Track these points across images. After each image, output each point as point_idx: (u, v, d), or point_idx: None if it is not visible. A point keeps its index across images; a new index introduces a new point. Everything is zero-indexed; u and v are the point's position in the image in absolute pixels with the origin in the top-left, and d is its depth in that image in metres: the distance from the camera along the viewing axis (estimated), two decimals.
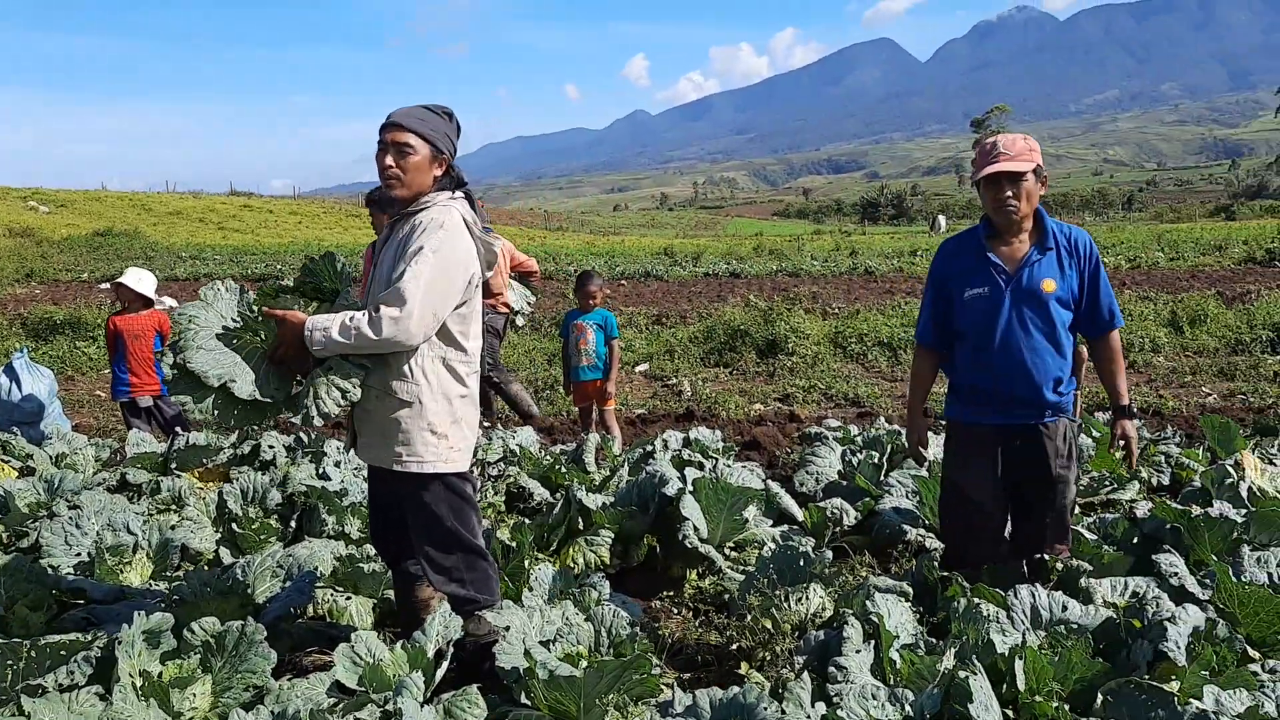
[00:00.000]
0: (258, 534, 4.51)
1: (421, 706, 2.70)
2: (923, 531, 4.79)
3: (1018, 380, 3.63)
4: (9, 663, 2.80)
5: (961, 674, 2.69)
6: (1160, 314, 13.61)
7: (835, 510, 5.08)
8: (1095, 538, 4.28)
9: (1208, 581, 3.58)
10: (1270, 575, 3.61)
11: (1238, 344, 12.03)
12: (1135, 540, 4.26)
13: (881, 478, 5.56)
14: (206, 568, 4.29)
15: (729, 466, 5.26)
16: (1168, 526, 4.18)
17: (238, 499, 4.68)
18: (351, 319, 2.96)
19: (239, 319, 3.11)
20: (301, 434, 6.35)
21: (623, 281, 23.80)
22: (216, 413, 2.99)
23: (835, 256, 29.89)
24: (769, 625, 3.57)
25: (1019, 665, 2.85)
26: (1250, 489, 4.73)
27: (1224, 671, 2.92)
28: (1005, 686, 2.88)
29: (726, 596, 4.31)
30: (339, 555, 4.14)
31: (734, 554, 4.80)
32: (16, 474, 5.51)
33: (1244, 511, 4.28)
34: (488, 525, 4.80)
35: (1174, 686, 2.81)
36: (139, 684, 2.79)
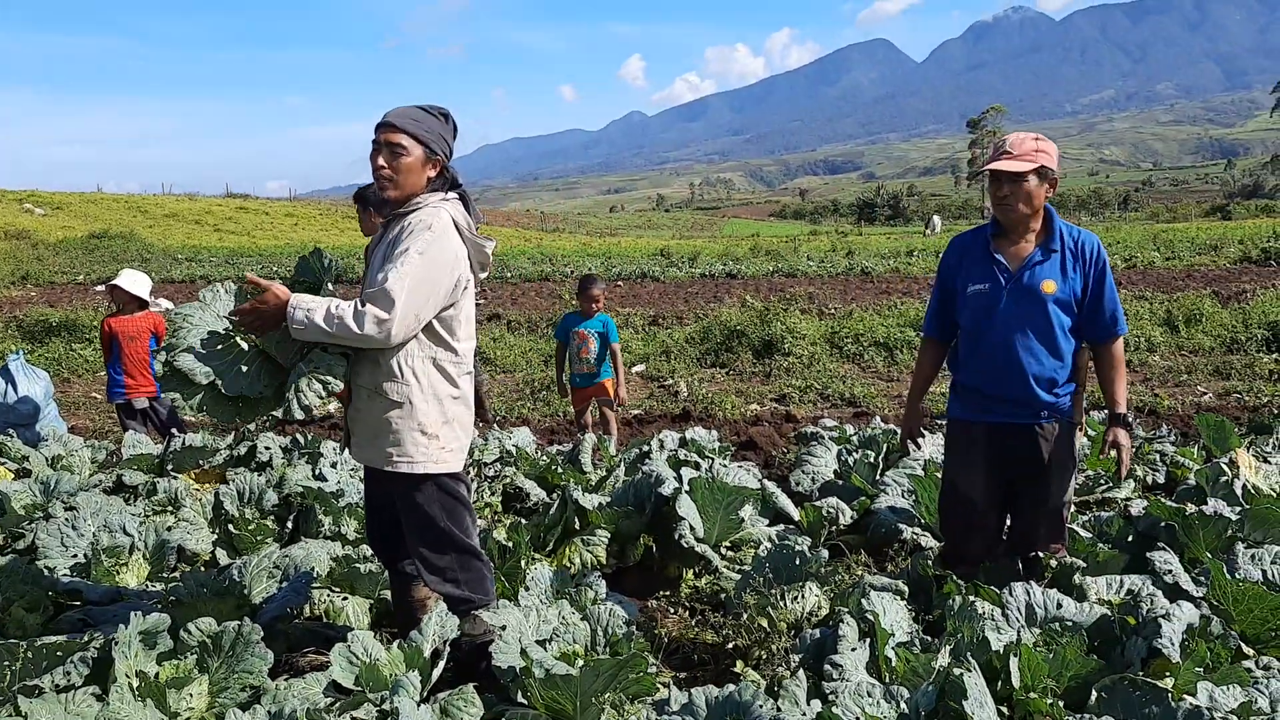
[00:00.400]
0: (254, 535, 4.50)
1: (418, 706, 2.70)
2: (918, 530, 4.80)
3: (1012, 379, 3.64)
4: (6, 664, 2.80)
5: (956, 671, 2.70)
6: (1156, 313, 13.63)
7: (831, 509, 5.09)
8: (1090, 536, 4.29)
9: (1202, 579, 3.59)
10: (1264, 572, 3.62)
11: (1233, 343, 12.06)
12: (1130, 538, 4.27)
13: (878, 477, 5.56)
14: (203, 569, 4.29)
15: (725, 466, 5.27)
16: (1162, 524, 4.19)
17: (234, 500, 4.68)
18: (337, 307, 2.94)
19: (230, 318, 3.11)
20: (298, 435, 6.35)
21: (619, 283, 23.81)
22: (206, 409, 3.00)
23: (832, 257, 29.93)
24: (765, 624, 3.58)
25: (1014, 662, 2.86)
26: (1245, 487, 4.75)
27: (1218, 668, 2.93)
28: (1000, 684, 2.88)
29: (723, 596, 4.32)
30: (335, 556, 4.14)
31: (730, 553, 4.81)
32: (12, 476, 5.50)
33: (1238, 509, 4.29)
34: (484, 525, 4.81)
35: (1168, 683, 2.83)
36: (136, 684, 2.79)
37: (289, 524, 4.75)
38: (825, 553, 4.07)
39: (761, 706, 2.64)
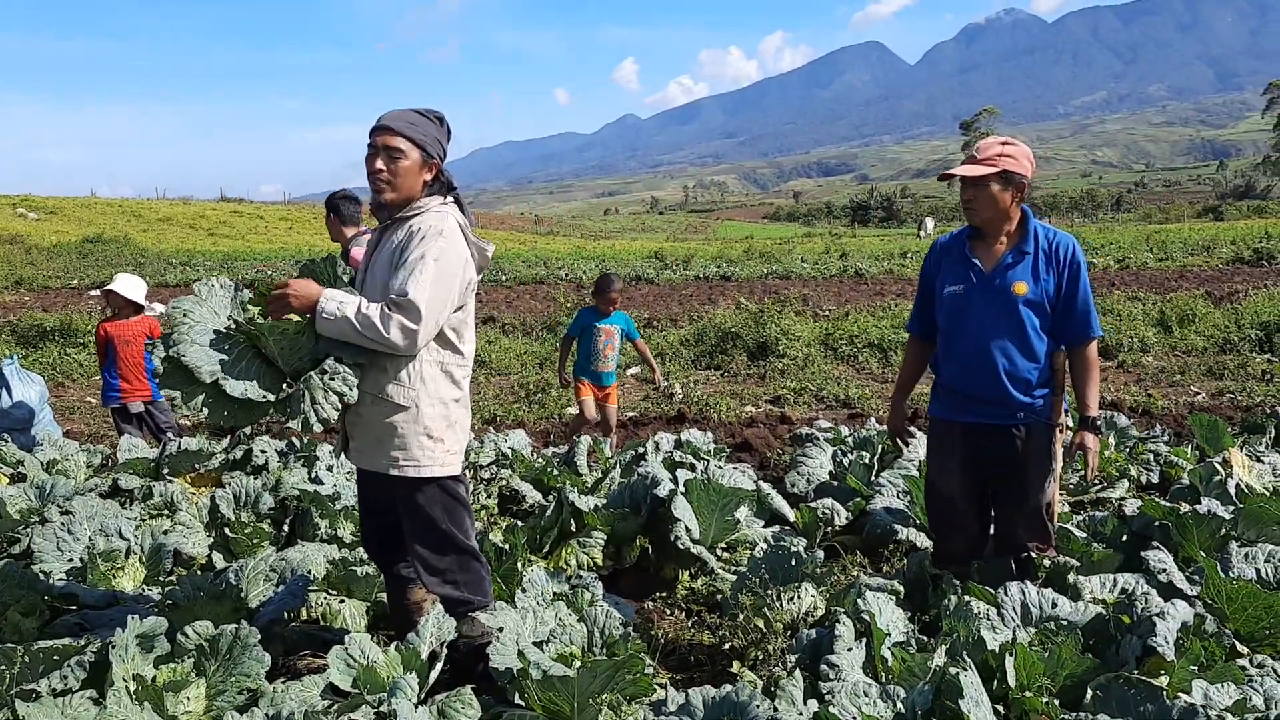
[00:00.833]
0: (250, 538, 4.50)
1: (416, 708, 2.71)
2: (914, 531, 4.81)
3: (986, 379, 3.65)
4: (3, 668, 2.80)
5: (953, 671, 2.71)
6: (1149, 314, 13.69)
7: (827, 510, 5.10)
8: (1084, 535, 4.31)
9: (1196, 578, 3.61)
10: (1258, 571, 3.63)
11: (1226, 343, 12.11)
12: (1124, 537, 4.29)
13: (873, 478, 5.58)
14: (199, 572, 4.28)
15: (720, 468, 5.28)
16: (1156, 524, 4.21)
17: (230, 504, 4.68)
18: (366, 306, 2.93)
19: (231, 318, 3.06)
20: (294, 439, 6.35)
21: (622, 289, 23.83)
22: (206, 410, 2.95)
23: (825, 259, 30.01)
24: (761, 624, 3.59)
25: (1009, 662, 2.87)
26: (1238, 486, 4.76)
27: (1212, 666, 2.94)
28: (996, 683, 2.90)
29: (719, 597, 4.33)
30: (332, 559, 4.13)
31: (726, 555, 4.82)
32: (7, 480, 5.49)
33: (1232, 508, 4.31)
34: (480, 528, 4.81)
35: (1163, 681, 2.84)
36: (133, 688, 2.79)
37: (285, 527, 4.75)
38: (821, 553, 4.08)
39: (758, 706, 2.65)
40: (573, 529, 4.80)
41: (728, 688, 2.75)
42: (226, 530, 4.54)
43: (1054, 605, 3.29)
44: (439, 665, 3.05)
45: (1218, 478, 4.91)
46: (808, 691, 2.86)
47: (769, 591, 3.74)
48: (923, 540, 4.71)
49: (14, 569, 3.78)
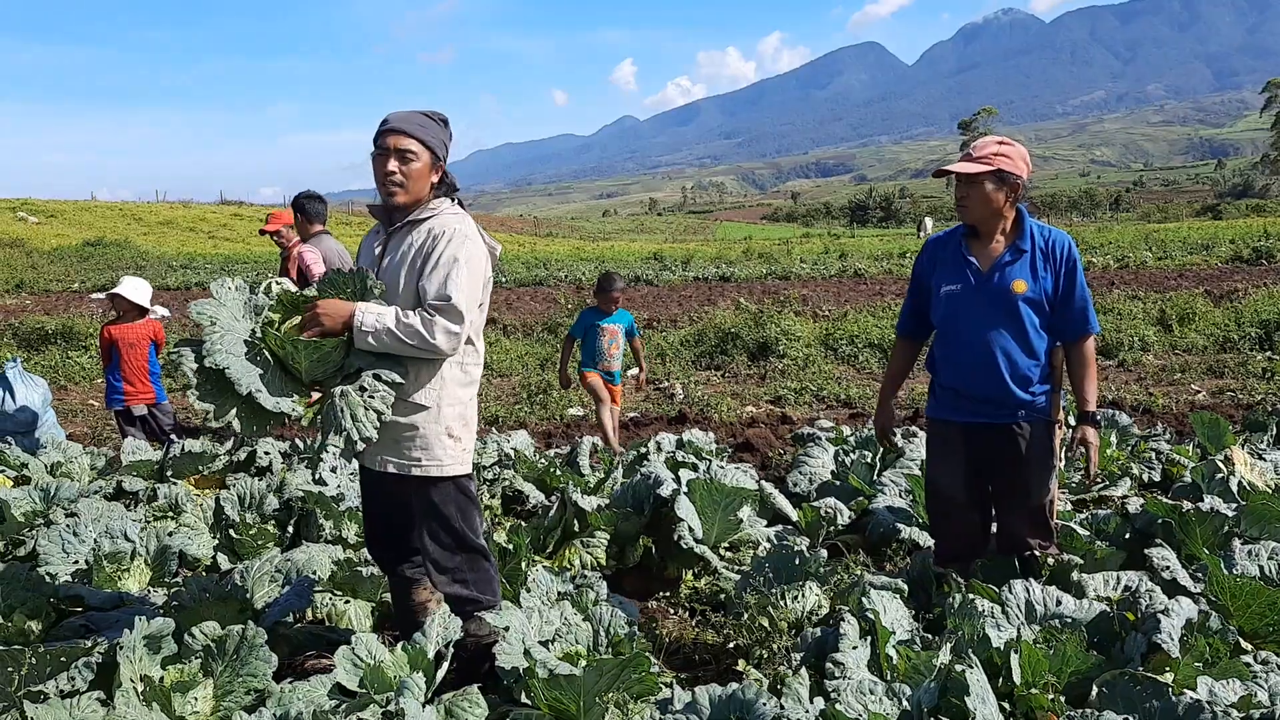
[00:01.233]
0: (255, 540, 4.51)
1: (423, 707, 2.71)
2: (916, 530, 4.83)
3: (986, 379, 3.66)
4: (11, 669, 2.80)
5: (958, 668, 2.72)
6: (1149, 313, 13.70)
7: (829, 510, 5.11)
8: (1088, 533, 4.32)
9: (1199, 575, 3.63)
10: (1261, 568, 3.65)
11: (1226, 342, 12.13)
12: (1127, 535, 4.30)
13: (875, 477, 5.59)
14: (204, 574, 4.30)
15: (723, 468, 5.29)
16: (1159, 521, 4.22)
17: (235, 505, 4.69)
18: (407, 316, 2.95)
19: (253, 327, 3.04)
20: (297, 440, 6.36)
21: (624, 288, 23.83)
22: (238, 422, 2.93)
23: (824, 259, 30.02)
24: (766, 623, 3.59)
25: (1014, 659, 2.88)
26: (1240, 484, 4.78)
27: (1217, 663, 2.95)
28: (1001, 680, 2.91)
29: (722, 596, 4.33)
30: (337, 560, 4.15)
31: (729, 554, 4.83)
32: (11, 483, 5.49)
33: (1234, 506, 4.33)
34: (484, 529, 4.82)
35: (1168, 678, 2.85)
36: (141, 689, 2.80)
37: (290, 528, 4.76)
38: (824, 552, 4.10)
39: (765, 704, 2.66)
40: (576, 529, 4.81)
41: (734, 686, 2.76)
42: (231, 532, 4.55)
43: (1058, 603, 3.31)
44: (446, 665, 3.05)
45: (1220, 475, 4.93)
46: (813, 690, 2.87)
47: (773, 590, 3.75)
48: (925, 539, 4.72)
49: (20, 571, 3.79)
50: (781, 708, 2.69)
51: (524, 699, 3.04)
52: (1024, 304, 3.61)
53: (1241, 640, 3.24)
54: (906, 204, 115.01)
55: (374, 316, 2.94)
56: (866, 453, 5.94)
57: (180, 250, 36.42)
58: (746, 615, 3.69)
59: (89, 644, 2.94)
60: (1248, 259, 23.02)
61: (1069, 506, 5.23)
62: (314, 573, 3.94)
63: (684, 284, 24.15)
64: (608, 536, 4.73)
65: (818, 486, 5.75)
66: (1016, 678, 2.86)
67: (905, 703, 2.75)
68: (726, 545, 4.84)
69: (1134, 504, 4.53)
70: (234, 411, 2.92)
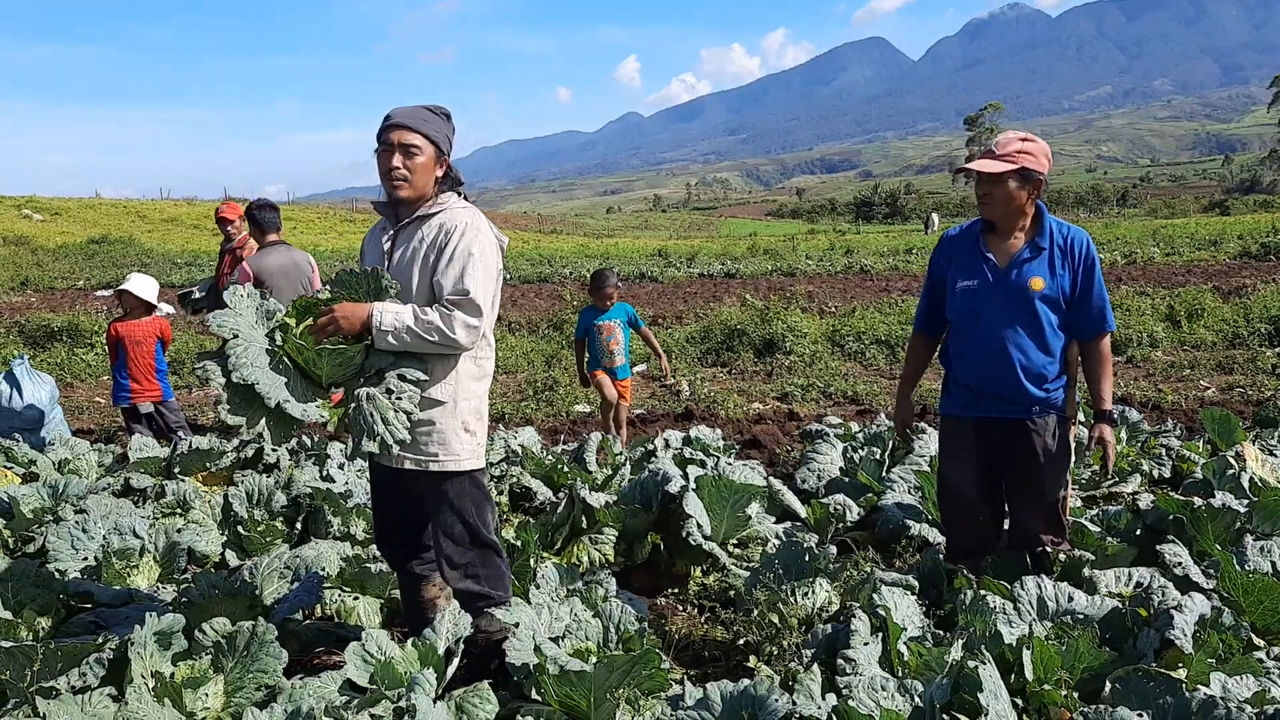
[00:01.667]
0: (264, 536, 4.52)
1: (434, 703, 2.71)
2: (926, 526, 4.81)
3: (1002, 375, 3.64)
4: (23, 665, 2.81)
5: (971, 664, 2.71)
6: (1158, 309, 13.65)
7: (838, 506, 5.10)
8: (1099, 529, 4.30)
9: (1211, 571, 3.61)
10: (1273, 564, 3.63)
11: (1235, 337, 12.08)
12: (1138, 532, 4.29)
13: (884, 474, 5.58)
14: (213, 570, 4.30)
15: (730, 464, 5.28)
16: (1170, 517, 4.20)
17: (243, 502, 4.69)
18: (425, 313, 2.95)
19: (268, 333, 3.03)
20: (304, 437, 6.35)
21: (618, 283, 23.80)
22: (267, 430, 2.92)
23: (830, 256, 29.96)
24: (776, 620, 3.58)
25: (1027, 655, 2.87)
26: (1251, 480, 4.76)
27: (1230, 659, 2.94)
28: (1013, 676, 2.90)
29: (731, 593, 4.33)
30: (345, 556, 4.15)
31: (737, 551, 4.82)
32: (20, 480, 5.50)
33: (1246, 502, 4.31)
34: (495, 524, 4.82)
35: (1181, 674, 2.83)
36: (152, 685, 2.80)
37: (298, 525, 4.76)
38: (833, 549, 4.08)
39: (777, 700, 2.66)
40: (584, 526, 4.80)
41: (746, 682, 2.75)
42: (239, 528, 4.56)
43: (1070, 599, 3.29)
44: (456, 661, 3.05)
45: (1231, 471, 4.91)
46: (825, 686, 2.86)
47: (783, 587, 3.74)
48: (935, 536, 4.71)
49: (29, 567, 3.79)
50: (794, 704, 2.68)
51: (534, 695, 3.04)
52: (1041, 302, 3.59)
53: (1254, 636, 3.22)
54: (912, 200, 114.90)
55: (393, 315, 2.94)
56: (875, 449, 5.92)
57: (185, 247, 36.46)
58: (757, 611, 3.68)
59: (99, 640, 2.94)
60: (1256, 255, 22.93)
61: (1079, 503, 5.21)
62: (322, 569, 3.94)
63: (689, 280, 24.12)
64: (616, 533, 4.72)
65: (826, 483, 5.74)
66: (1029, 674, 2.85)
67: (917, 699, 2.74)
68: (735, 542, 4.83)
69: (1145, 500, 4.50)
70: (264, 422, 2.91)
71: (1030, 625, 3.16)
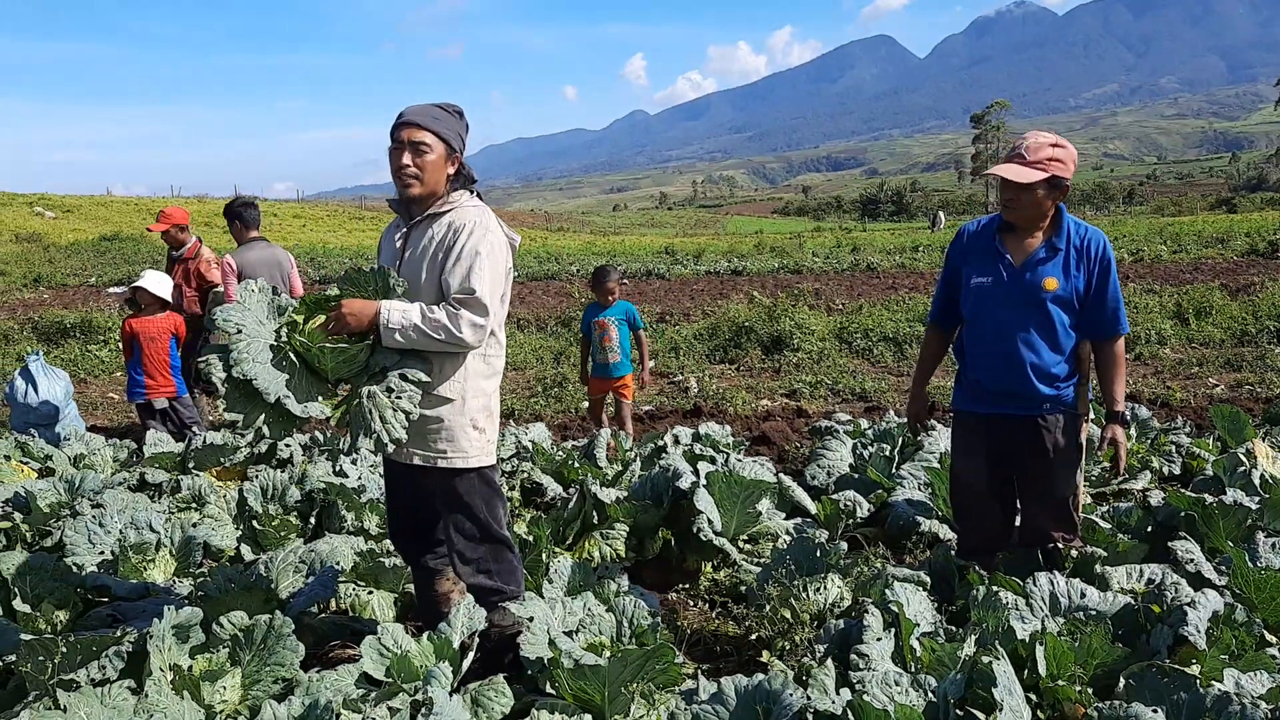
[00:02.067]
0: (278, 531, 4.55)
1: (450, 696, 2.73)
2: (936, 523, 4.83)
3: (1011, 372, 3.64)
4: (44, 658, 2.84)
5: (984, 660, 2.72)
6: (1166, 306, 13.62)
7: (849, 502, 5.11)
8: (1110, 526, 4.31)
9: (1223, 568, 3.62)
10: None
11: (1243, 335, 12.04)
12: (1149, 528, 4.30)
13: (893, 470, 5.59)
14: (228, 564, 4.33)
15: (741, 460, 5.30)
16: (1182, 514, 4.21)
17: (258, 496, 4.72)
18: (432, 311, 2.97)
19: (277, 331, 3.04)
20: (317, 432, 6.39)
21: (625, 280, 23.81)
22: (266, 428, 2.94)
23: (837, 253, 29.90)
24: (788, 615, 3.61)
25: (1040, 651, 2.88)
26: (1262, 477, 4.76)
27: (1243, 655, 2.95)
28: (1026, 672, 2.91)
29: (742, 588, 4.34)
30: (359, 551, 4.17)
31: (747, 546, 4.84)
32: (36, 475, 5.54)
33: (1257, 499, 4.31)
34: (507, 519, 4.84)
35: (1194, 670, 2.85)
36: (171, 678, 2.83)
37: (312, 520, 4.80)
38: (844, 545, 4.10)
39: (792, 695, 2.67)
40: (595, 521, 4.83)
41: (760, 677, 2.77)
42: (254, 523, 4.58)
43: (1083, 595, 3.30)
44: (471, 655, 3.07)
45: (1242, 469, 4.91)
46: (839, 681, 2.87)
47: (795, 582, 3.75)
48: (945, 532, 4.72)
49: (47, 561, 3.82)
50: (808, 698, 2.70)
51: (549, 689, 3.06)
52: (1054, 302, 3.59)
53: (1267, 633, 3.23)
54: (918, 198, 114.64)
55: (400, 314, 2.95)
56: (885, 446, 5.94)
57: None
58: (769, 607, 3.70)
59: (118, 633, 2.97)
60: (1263, 252, 22.85)
61: (1089, 500, 5.21)
62: (337, 564, 3.96)
63: (696, 278, 24.12)
64: (627, 528, 4.74)
65: (836, 479, 5.75)
66: (1042, 670, 2.86)
67: (931, 694, 2.75)
68: (745, 538, 4.85)
69: (1156, 497, 4.52)
70: (262, 418, 2.93)
71: (1043, 621, 3.18)
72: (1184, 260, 22.94)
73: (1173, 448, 6.10)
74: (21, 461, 5.68)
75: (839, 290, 19.17)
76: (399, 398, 2.95)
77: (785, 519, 5.04)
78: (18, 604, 3.58)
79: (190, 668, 2.96)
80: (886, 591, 3.33)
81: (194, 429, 6.79)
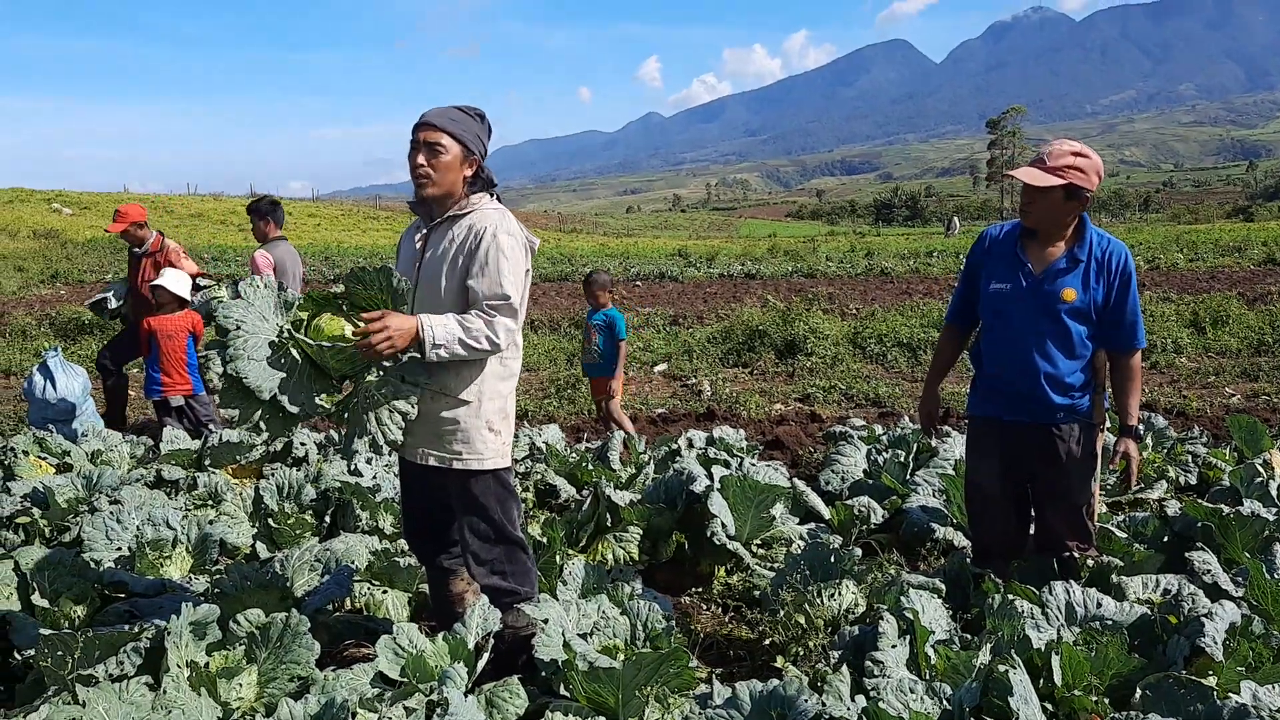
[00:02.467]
0: (294, 529, 4.57)
1: (465, 696, 2.74)
2: (951, 530, 4.81)
3: (1026, 380, 3.63)
4: (62, 653, 2.86)
5: (1000, 668, 2.72)
6: (1182, 315, 13.55)
7: (863, 508, 5.10)
8: (1125, 536, 4.29)
9: (1240, 579, 3.59)
10: None
11: (1260, 345, 11.97)
12: (1166, 538, 4.27)
13: (908, 476, 5.57)
14: (244, 562, 4.35)
15: (755, 465, 5.29)
16: (1199, 525, 4.19)
17: (274, 495, 4.74)
18: (467, 321, 2.98)
19: (281, 326, 3.04)
20: (333, 431, 6.41)
21: (638, 283, 23.84)
22: (264, 424, 2.94)
23: (851, 257, 29.86)
24: (803, 620, 3.60)
25: (1055, 660, 2.88)
26: None
27: (1260, 667, 2.93)
28: (1042, 681, 2.90)
29: (756, 593, 4.34)
30: (374, 550, 4.19)
31: (761, 551, 4.83)
32: (54, 470, 5.58)
33: (1275, 510, 4.29)
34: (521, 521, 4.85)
35: (1211, 681, 2.83)
36: (188, 674, 2.84)
37: (327, 518, 4.82)
38: (858, 551, 4.09)
39: (806, 701, 2.67)
40: (609, 524, 4.83)
41: (775, 682, 2.77)
42: (270, 521, 4.61)
43: (1099, 605, 3.29)
44: (486, 655, 3.08)
45: (1259, 479, 4.88)
46: (853, 688, 2.87)
47: (809, 588, 3.75)
48: (960, 539, 4.71)
49: (65, 557, 3.85)
50: (823, 704, 2.69)
51: (563, 691, 3.06)
52: (1071, 313, 3.56)
53: None
54: (933, 203, 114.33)
55: (443, 330, 2.95)
56: (899, 452, 5.92)
57: (211, 243, 36.70)
58: (783, 612, 3.70)
59: (136, 629, 2.99)
60: None
61: (1104, 509, 5.19)
62: (351, 563, 3.98)
63: (709, 281, 24.11)
64: (640, 531, 4.74)
65: (850, 485, 5.74)
66: (1058, 679, 2.85)
67: (946, 702, 2.75)
68: (759, 542, 4.84)
69: (1172, 507, 4.49)
70: (258, 415, 2.93)
71: (1059, 630, 3.16)
72: (1200, 269, 22.81)
73: (1189, 457, 6.07)
74: (39, 457, 5.71)
75: (853, 295, 19.13)
76: (397, 399, 2.96)
77: (799, 524, 5.03)
78: (36, 599, 3.60)
79: (207, 665, 2.98)
80: (901, 598, 3.32)
81: (210, 426, 6.83)
